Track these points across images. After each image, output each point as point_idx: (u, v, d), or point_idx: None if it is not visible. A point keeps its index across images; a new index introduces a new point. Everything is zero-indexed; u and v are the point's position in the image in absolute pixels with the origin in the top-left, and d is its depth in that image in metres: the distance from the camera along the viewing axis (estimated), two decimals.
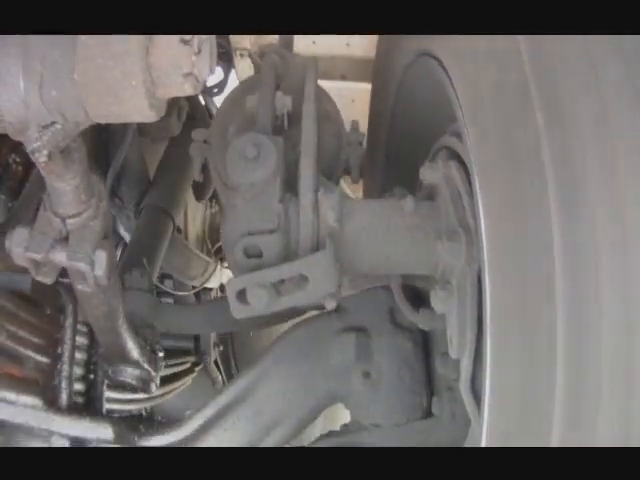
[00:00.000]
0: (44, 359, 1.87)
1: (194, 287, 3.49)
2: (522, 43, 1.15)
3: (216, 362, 3.49)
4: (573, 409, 1.03)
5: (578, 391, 1.03)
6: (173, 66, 1.16)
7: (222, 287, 3.73)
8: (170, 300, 3.42)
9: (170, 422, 2.70)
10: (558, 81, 1.08)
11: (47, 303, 1.92)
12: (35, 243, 1.48)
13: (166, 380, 2.52)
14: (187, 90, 1.19)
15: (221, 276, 3.67)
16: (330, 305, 1.55)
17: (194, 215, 3.48)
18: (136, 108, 1.18)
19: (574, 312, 1.03)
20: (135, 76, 1.14)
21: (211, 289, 3.66)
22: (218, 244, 3.69)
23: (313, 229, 1.53)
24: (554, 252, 1.05)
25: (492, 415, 1.21)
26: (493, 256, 1.22)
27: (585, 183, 1.03)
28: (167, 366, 2.49)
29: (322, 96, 1.86)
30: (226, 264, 3.73)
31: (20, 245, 1.48)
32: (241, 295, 1.49)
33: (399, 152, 2.09)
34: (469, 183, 1.52)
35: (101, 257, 1.52)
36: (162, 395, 2.43)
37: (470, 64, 1.34)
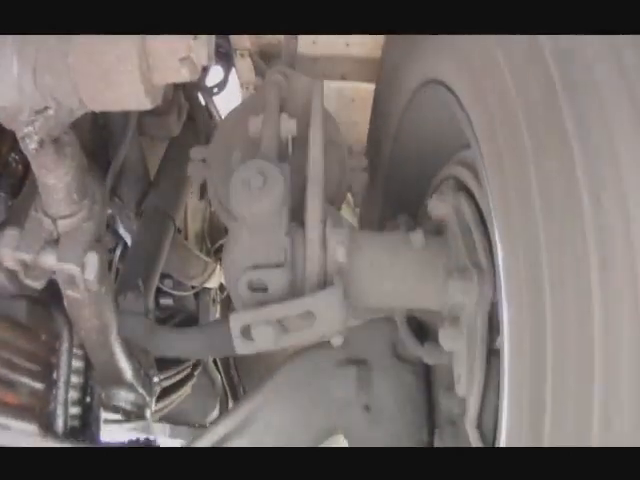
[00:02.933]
0: (39, 385, 1.85)
1: (193, 287, 3.47)
2: (553, 70, 1.07)
3: (215, 362, 3.49)
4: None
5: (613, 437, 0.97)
6: (169, 50, 1.14)
7: (221, 287, 3.72)
8: (169, 300, 3.40)
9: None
10: (594, 112, 1.01)
11: (42, 329, 1.89)
12: (25, 244, 1.46)
13: (166, 391, 2.51)
14: (184, 75, 1.17)
15: (220, 276, 3.64)
16: (337, 342, 1.52)
17: (194, 215, 3.45)
18: (131, 94, 1.16)
19: (609, 351, 0.96)
20: (130, 60, 1.12)
21: (210, 289, 3.64)
22: (218, 244, 3.67)
23: (320, 264, 1.48)
24: (592, 292, 0.98)
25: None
26: (511, 297, 1.17)
27: (623, 222, 0.97)
28: (167, 377, 2.48)
29: (326, 119, 1.80)
30: (223, 271, 3.71)
31: (9, 246, 1.46)
32: (245, 331, 1.44)
33: (400, 177, 2.04)
34: (480, 217, 1.48)
35: (92, 260, 1.50)
36: (161, 409, 2.42)
37: (489, 96, 1.26)
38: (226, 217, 1.77)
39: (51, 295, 1.77)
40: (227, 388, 3.69)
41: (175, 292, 3.40)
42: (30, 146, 1.23)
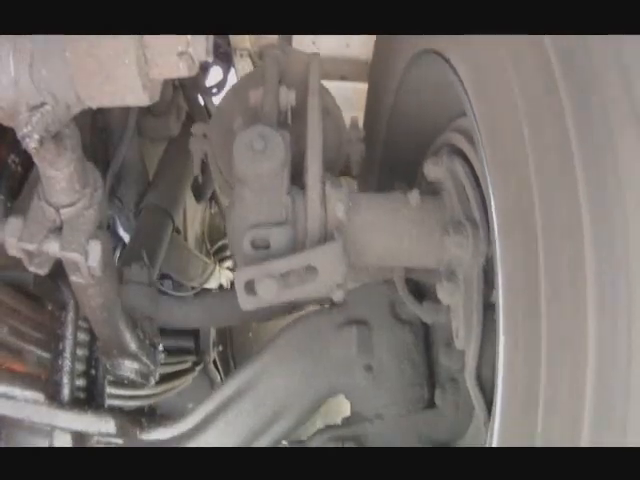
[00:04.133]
0: (46, 354, 1.88)
1: (193, 287, 3.49)
2: (547, 40, 1.10)
3: (215, 363, 3.49)
4: (602, 404, 0.98)
5: (608, 383, 0.97)
6: (167, 45, 1.13)
7: (221, 288, 3.74)
8: None
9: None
10: (589, 81, 1.04)
11: (48, 299, 1.92)
12: (29, 233, 1.46)
13: (167, 378, 2.53)
14: (182, 70, 1.16)
15: (220, 277, 3.67)
16: (338, 297, 1.55)
17: (193, 216, 3.48)
18: (129, 88, 1.15)
19: (605, 296, 0.97)
20: (128, 54, 1.11)
21: (210, 290, 3.66)
22: (217, 245, 3.70)
23: (321, 221, 1.53)
24: (584, 243, 1.00)
25: (505, 411, 1.20)
26: (505, 250, 1.21)
27: (616, 176, 0.98)
28: (168, 364, 2.50)
29: (323, 91, 1.86)
30: (225, 265, 3.75)
31: (14, 235, 1.46)
32: (249, 286, 1.47)
33: (397, 149, 2.09)
34: (474, 177, 1.53)
35: (95, 248, 1.51)
36: (163, 392, 2.43)
37: (484, 64, 1.31)
38: (227, 189, 1.82)
39: (58, 265, 1.80)
40: None
41: (175, 293, 3.42)
42: (30, 145, 1.20)
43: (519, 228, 1.17)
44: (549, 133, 1.09)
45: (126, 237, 3.04)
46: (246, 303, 1.49)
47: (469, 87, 1.36)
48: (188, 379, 2.88)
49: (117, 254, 3.03)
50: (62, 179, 1.42)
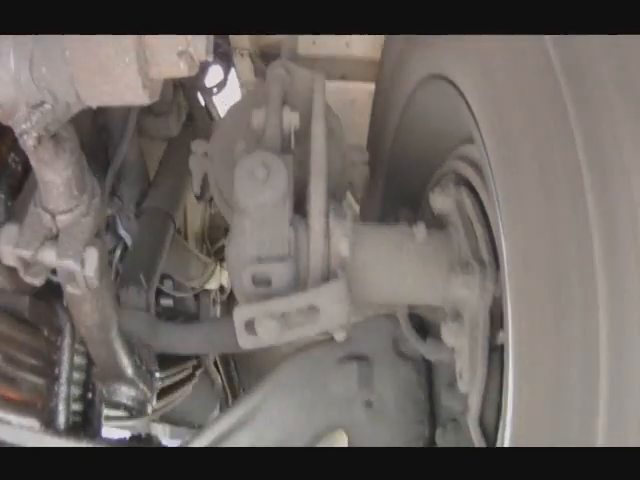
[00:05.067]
0: (41, 381, 1.86)
1: (193, 288, 3.47)
2: (556, 63, 1.06)
3: (215, 363, 3.49)
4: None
5: (620, 433, 0.94)
6: (167, 44, 1.13)
7: (222, 288, 3.71)
8: (169, 301, 3.39)
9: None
10: (601, 112, 1.00)
11: (44, 324, 1.90)
12: (24, 240, 1.44)
13: (167, 390, 2.51)
14: (182, 69, 1.15)
15: (220, 277, 3.64)
16: (340, 337, 1.51)
17: (194, 215, 3.45)
18: (129, 87, 1.15)
19: (614, 344, 0.94)
20: (128, 53, 1.11)
21: (211, 290, 3.63)
22: (218, 245, 3.67)
23: (324, 258, 1.47)
24: (597, 282, 0.97)
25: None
26: (516, 291, 1.16)
27: (629, 214, 0.95)
28: (168, 376, 2.48)
29: (327, 112, 1.81)
30: (226, 265, 3.71)
31: (9, 242, 1.43)
32: (249, 325, 1.42)
33: (401, 172, 2.04)
34: (482, 212, 1.49)
35: (92, 256, 1.48)
36: (162, 408, 2.42)
37: (494, 90, 1.26)
38: (227, 210, 1.77)
39: (53, 290, 1.77)
40: (227, 389, 3.69)
41: (175, 293, 3.40)
42: (28, 142, 1.21)
43: (529, 269, 1.12)
44: (560, 164, 1.05)
45: (126, 237, 3.01)
46: (246, 343, 1.45)
47: (479, 117, 1.31)
48: (188, 389, 2.86)
49: (117, 254, 3.01)
50: (60, 184, 1.40)
